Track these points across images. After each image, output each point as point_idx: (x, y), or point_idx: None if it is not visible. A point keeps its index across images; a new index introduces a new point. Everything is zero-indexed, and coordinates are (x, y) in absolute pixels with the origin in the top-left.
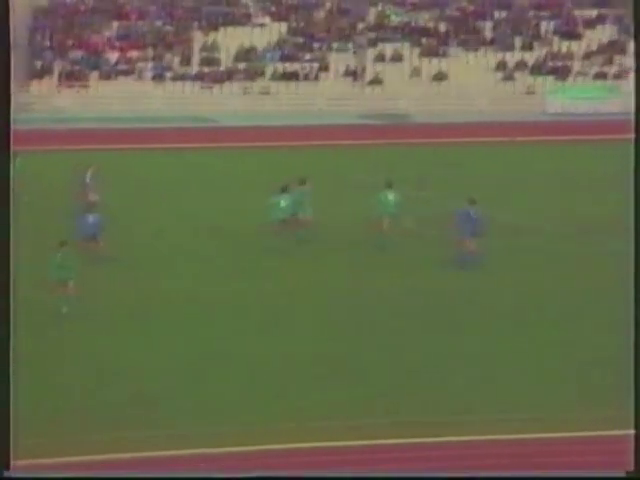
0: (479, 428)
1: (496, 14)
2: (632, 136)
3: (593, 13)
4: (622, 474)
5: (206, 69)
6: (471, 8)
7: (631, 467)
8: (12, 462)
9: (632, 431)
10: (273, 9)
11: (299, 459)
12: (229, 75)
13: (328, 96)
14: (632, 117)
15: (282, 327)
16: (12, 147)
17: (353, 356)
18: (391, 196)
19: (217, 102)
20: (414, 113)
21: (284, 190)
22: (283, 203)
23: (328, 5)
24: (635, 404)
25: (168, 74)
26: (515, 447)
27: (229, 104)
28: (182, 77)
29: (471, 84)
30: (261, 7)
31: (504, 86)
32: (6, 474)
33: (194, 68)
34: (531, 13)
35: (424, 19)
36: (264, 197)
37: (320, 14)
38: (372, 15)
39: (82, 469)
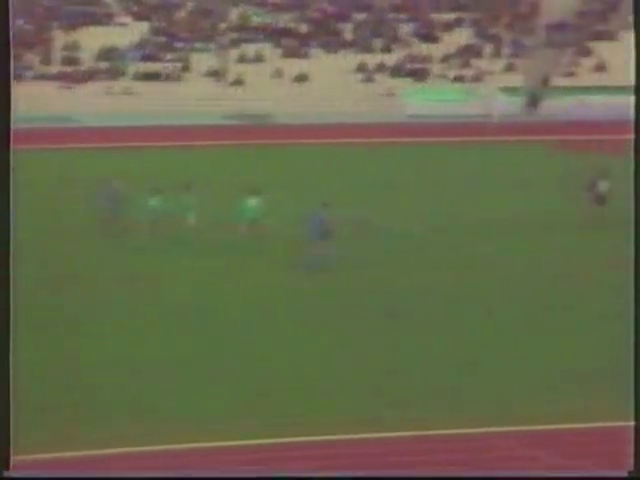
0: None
1: (356, 16)
2: (632, 137)
3: (451, 16)
4: (624, 474)
5: (67, 69)
6: (331, 9)
7: (631, 467)
8: (12, 458)
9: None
10: (135, 9)
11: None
12: (91, 75)
13: (191, 96)
14: (632, 117)
15: (144, 325)
16: (12, 147)
17: (210, 355)
18: (253, 199)
19: (79, 102)
20: (276, 114)
21: (157, 191)
22: (155, 203)
23: (190, 5)
24: (635, 405)
25: (28, 74)
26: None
27: (91, 104)
28: (43, 77)
29: (332, 85)
30: (123, 7)
31: (364, 88)
32: (6, 474)
33: (55, 68)
34: (390, 15)
35: (285, 20)
36: (131, 196)
37: (182, 14)
38: (234, 15)
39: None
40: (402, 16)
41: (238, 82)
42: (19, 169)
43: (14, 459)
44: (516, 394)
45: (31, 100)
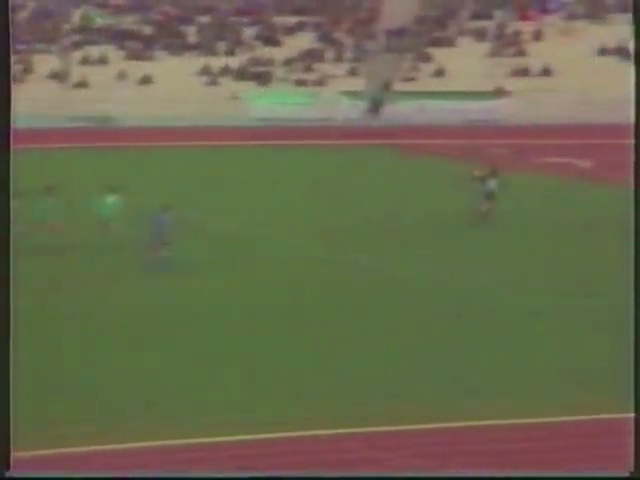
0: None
1: (199, 19)
2: (632, 141)
3: (293, 20)
4: (626, 474)
5: None
6: (174, 12)
7: (631, 467)
8: (12, 455)
9: (630, 434)
10: None
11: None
12: None
13: (34, 99)
14: (632, 118)
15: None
16: (12, 147)
17: (44, 360)
18: (106, 200)
19: None
20: (120, 116)
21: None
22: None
23: (31, 6)
24: (635, 405)
25: None
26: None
27: None
28: None
29: (177, 88)
30: None
31: (209, 91)
32: (7, 474)
33: None
34: (233, 19)
35: (128, 22)
36: None
37: (23, 15)
38: (76, 17)
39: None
40: (245, 19)
41: (81, 84)
42: None
43: (14, 456)
44: (368, 396)
45: None
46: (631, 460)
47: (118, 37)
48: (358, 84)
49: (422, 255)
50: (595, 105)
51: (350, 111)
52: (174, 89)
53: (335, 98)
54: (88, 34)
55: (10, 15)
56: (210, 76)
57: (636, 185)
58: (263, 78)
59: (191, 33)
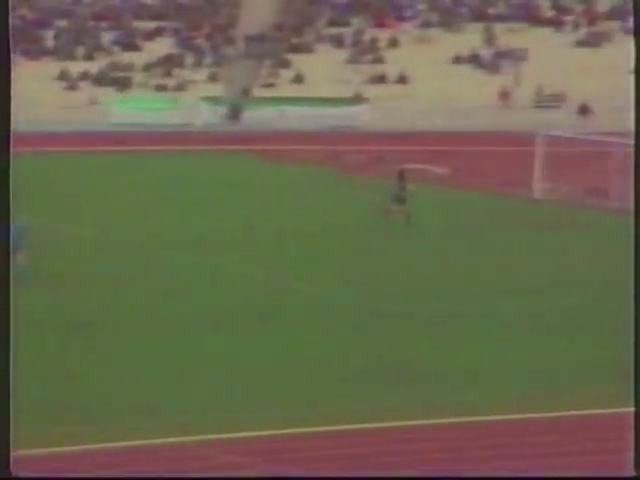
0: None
1: (57, 23)
2: (633, 141)
3: (152, 25)
4: (631, 474)
5: None
6: (31, 16)
7: (631, 467)
8: (12, 455)
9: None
10: None
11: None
12: None
13: None
14: (632, 119)
15: None
16: (12, 147)
17: None
18: None
19: None
20: None
21: None
22: None
23: None
24: (635, 406)
25: None
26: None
27: None
28: None
29: (34, 93)
30: None
31: (67, 96)
32: (7, 474)
33: None
34: (92, 23)
35: None
36: None
37: None
38: None
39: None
40: (103, 24)
41: None
42: None
43: (14, 456)
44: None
45: None
46: (631, 456)
47: None
48: (218, 90)
49: (293, 261)
50: (450, 112)
51: (210, 116)
52: (32, 94)
53: (195, 103)
54: None
55: (10, 16)
56: (68, 81)
57: (636, 187)
58: (122, 83)
59: (49, 37)
